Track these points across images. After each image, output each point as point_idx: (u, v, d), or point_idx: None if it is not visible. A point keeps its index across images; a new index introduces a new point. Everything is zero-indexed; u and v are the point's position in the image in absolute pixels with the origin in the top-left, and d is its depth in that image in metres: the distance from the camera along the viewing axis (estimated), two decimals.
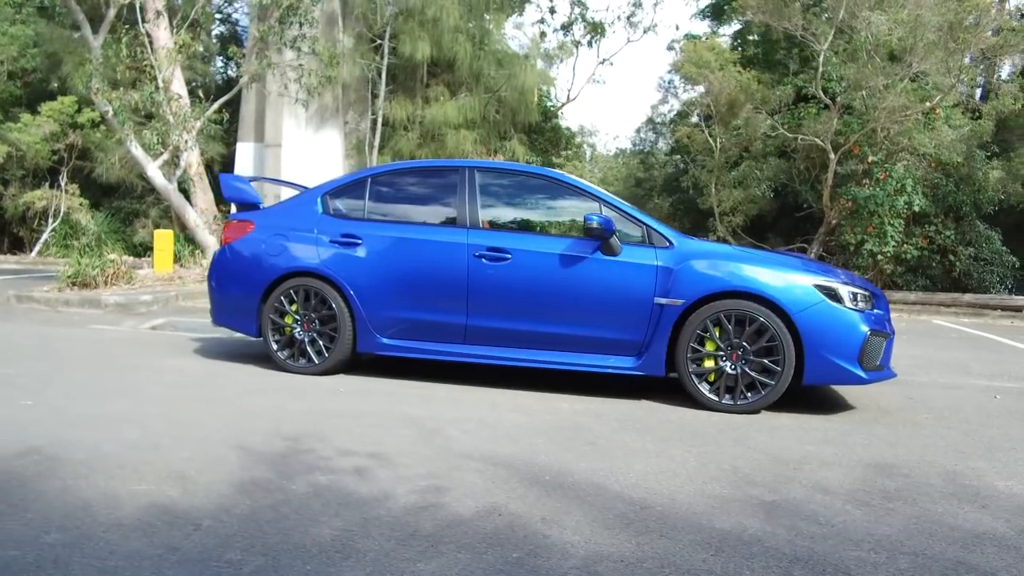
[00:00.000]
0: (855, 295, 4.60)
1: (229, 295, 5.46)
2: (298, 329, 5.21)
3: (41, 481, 2.70)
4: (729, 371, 4.56)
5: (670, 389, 4.95)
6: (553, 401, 4.61)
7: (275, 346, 5.24)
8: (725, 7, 18.61)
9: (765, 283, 4.53)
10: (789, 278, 4.57)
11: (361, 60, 15.37)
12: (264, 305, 5.28)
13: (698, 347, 4.60)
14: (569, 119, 48.99)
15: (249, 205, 5.68)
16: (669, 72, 26.02)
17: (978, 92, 12.88)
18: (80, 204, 15.43)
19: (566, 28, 19.46)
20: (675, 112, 26.08)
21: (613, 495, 2.89)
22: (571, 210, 5.10)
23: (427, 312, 5.00)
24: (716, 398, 4.57)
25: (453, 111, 15.77)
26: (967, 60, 10.93)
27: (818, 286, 4.54)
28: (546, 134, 20.59)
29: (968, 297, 11.66)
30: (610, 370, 4.77)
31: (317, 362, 5.14)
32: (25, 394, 4.06)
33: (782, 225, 15.20)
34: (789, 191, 14.28)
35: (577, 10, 19.71)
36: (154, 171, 10.62)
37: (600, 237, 4.70)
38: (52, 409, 3.77)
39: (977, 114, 11.40)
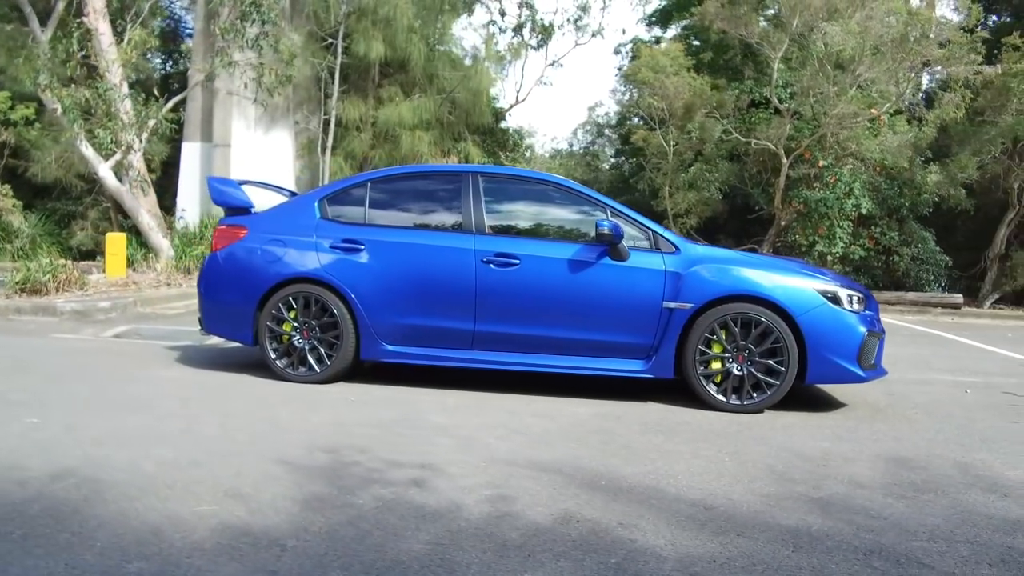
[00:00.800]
0: (852, 297, 4.80)
1: (222, 302, 5.29)
2: (297, 337, 5.08)
3: (93, 506, 2.57)
4: (736, 372, 4.69)
5: (664, 390, 5.06)
6: (566, 405, 4.65)
7: (273, 355, 5.11)
8: (674, 12, 19.06)
9: (771, 287, 4.68)
10: (792, 282, 4.74)
11: (312, 59, 15.07)
12: (261, 313, 5.14)
13: (705, 349, 4.71)
14: (518, 120, 49.24)
15: (239, 209, 5.51)
16: (618, 76, 26.46)
17: (923, 100, 13.54)
18: (13, 205, 14.60)
19: (517, 30, 19.52)
20: (620, 114, 26.57)
21: (672, 497, 2.95)
22: (575, 216, 5.13)
23: (434, 318, 4.96)
24: (723, 399, 4.69)
25: (408, 112, 15.62)
26: (911, 71, 11.51)
27: (819, 289, 4.72)
28: (495, 135, 20.64)
29: (911, 295, 12.28)
30: (619, 373, 4.84)
31: (318, 370, 5.04)
32: (26, 411, 3.84)
33: (732, 226, 15.66)
34: (739, 193, 14.72)
35: (527, 12, 19.81)
36: (106, 171, 10.15)
37: (610, 242, 4.76)
38: (64, 427, 3.58)
39: (920, 121, 12.01)
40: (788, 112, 12.25)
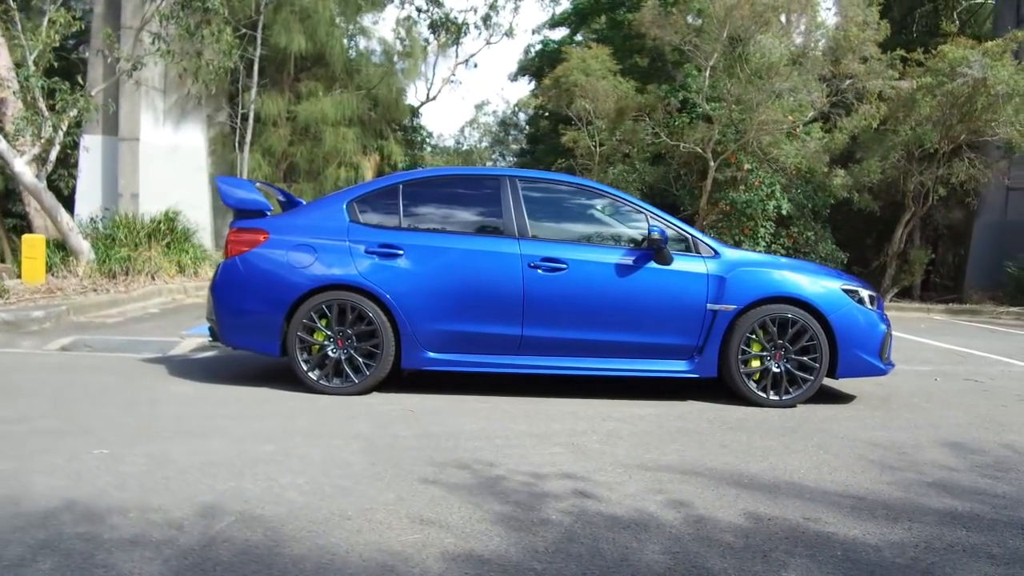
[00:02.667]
0: (872, 297, 5.15)
1: (245, 312, 4.94)
2: (331, 347, 4.84)
3: (287, 545, 2.34)
4: (775, 370, 4.93)
5: (689, 389, 5.23)
6: (617, 408, 4.70)
7: (305, 366, 4.83)
8: (589, 14, 19.50)
9: (805, 288, 4.96)
10: (823, 283, 5.03)
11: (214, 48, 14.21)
12: (290, 322, 4.85)
13: (746, 348, 4.92)
14: (432, 118, 48.67)
15: (254, 212, 5.16)
16: (524, 76, 26.70)
17: (840, 109, 14.55)
18: None
19: (433, 27, 19.33)
20: (532, 114, 26.86)
21: (818, 490, 3.09)
22: (614, 220, 5.21)
23: (480, 324, 4.88)
24: (764, 395, 4.92)
25: (331, 107, 15.10)
26: (825, 83, 12.44)
27: (845, 290, 5.04)
28: (408, 133, 20.34)
29: None
30: (666, 374, 4.96)
31: (356, 381, 4.82)
32: (78, 441, 3.43)
33: None
34: (661, 194, 15.30)
35: (441, 10, 19.65)
36: (22, 167, 9.12)
37: (658, 247, 4.86)
38: (146, 457, 3.22)
39: (835, 128, 12.96)
40: (717, 118, 12.86)
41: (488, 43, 21.75)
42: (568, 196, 5.29)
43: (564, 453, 3.54)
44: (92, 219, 11.32)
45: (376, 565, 2.22)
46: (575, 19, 22.11)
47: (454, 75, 21.98)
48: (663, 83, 15.72)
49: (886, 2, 12.79)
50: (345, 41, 15.47)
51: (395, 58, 17.61)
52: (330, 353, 4.84)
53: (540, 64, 23.24)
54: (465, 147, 35.06)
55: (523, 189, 5.11)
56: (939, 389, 5.81)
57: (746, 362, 4.93)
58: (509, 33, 21.40)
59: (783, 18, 11.65)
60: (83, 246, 10.05)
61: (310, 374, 4.84)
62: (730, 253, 5.10)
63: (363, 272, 4.85)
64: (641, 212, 5.13)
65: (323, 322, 4.85)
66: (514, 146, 27.62)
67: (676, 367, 4.96)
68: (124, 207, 13.18)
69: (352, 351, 4.84)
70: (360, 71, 16.22)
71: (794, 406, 4.94)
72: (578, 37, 22.34)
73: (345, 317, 4.84)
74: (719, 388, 5.20)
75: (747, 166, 13.08)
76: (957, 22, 15.99)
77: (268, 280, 4.91)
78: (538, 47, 24.43)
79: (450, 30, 19.96)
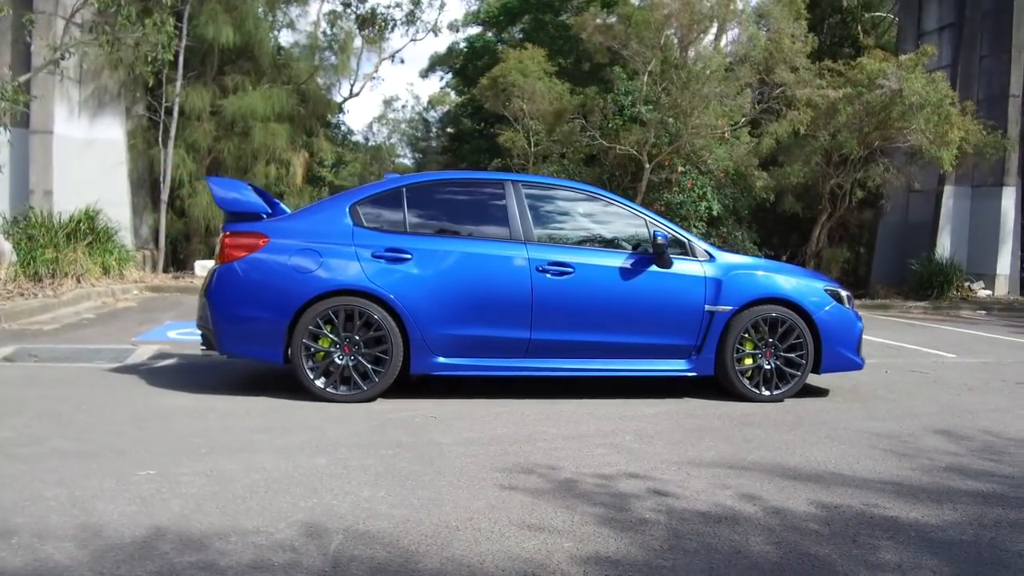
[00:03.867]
0: (848, 297, 5.52)
1: (246, 319, 4.76)
2: (338, 353, 4.74)
3: (413, 562, 2.29)
4: (766, 367, 5.20)
5: (680, 388, 5.44)
6: (626, 407, 4.84)
7: (311, 374, 4.71)
8: (518, 14, 19.62)
9: (794, 290, 5.26)
10: (809, 284, 5.36)
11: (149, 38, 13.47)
12: (294, 328, 4.71)
13: (739, 347, 5.16)
14: (349, 115, 47.55)
15: (249, 215, 4.98)
16: (435, 73, 26.58)
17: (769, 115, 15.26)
18: None
19: (361, 22, 18.95)
20: (452, 112, 26.75)
21: (858, 479, 3.35)
22: (615, 225, 5.33)
23: (489, 328, 4.90)
24: (757, 391, 5.18)
25: (261, 102, 14.57)
26: (757, 90, 13.09)
27: (827, 290, 5.38)
28: (332, 129, 19.87)
29: None
30: (668, 373, 5.14)
31: (365, 388, 4.74)
32: (114, 462, 3.23)
33: None
34: None
35: (366, 5, 19.31)
36: None
37: (660, 252, 5.02)
38: (203, 476, 3.06)
39: (764, 134, 13.64)
40: (652, 121, 13.28)
41: (414, 40, 21.62)
42: (569, 200, 5.37)
43: (611, 454, 3.63)
44: (16, 218, 10.50)
45: (519, 574, 2.24)
46: (503, 18, 22.20)
47: (377, 72, 21.56)
48: (592, 85, 16.09)
49: (796, 11, 13.56)
50: (273, 34, 14.97)
51: (322, 53, 17.19)
52: (337, 360, 4.74)
53: (465, 62, 23.26)
54: (372, 143, 34.48)
55: (527, 194, 5.16)
56: (894, 381, 6.26)
57: (740, 360, 5.18)
58: (434, 30, 21.29)
59: (715, 29, 12.18)
60: (5, 247, 9.32)
61: (316, 382, 4.72)
62: (723, 256, 5.33)
63: (371, 277, 4.78)
64: (640, 217, 5.29)
65: (328, 328, 4.74)
66: (431, 143, 27.44)
67: (677, 366, 5.15)
68: (36, 205, 12.27)
69: (359, 357, 4.76)
70: (288, 66, 15.74)
71: (782, 400, 5.23)
72: (500, 35, 22.48)
73: (352, 323, 4.75)
74: (704, 385, 5.40)
75: (681, 168, 13.58)
76: (862, 33, 17.11)
77: (271, 286, 4.76)
78: (463, 45, 24.40)
79: (376, 25, 19.64)
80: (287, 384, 4.90)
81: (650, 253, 5.10)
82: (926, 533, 2.68)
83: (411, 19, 21.05)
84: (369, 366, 4.75)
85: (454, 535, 2.51)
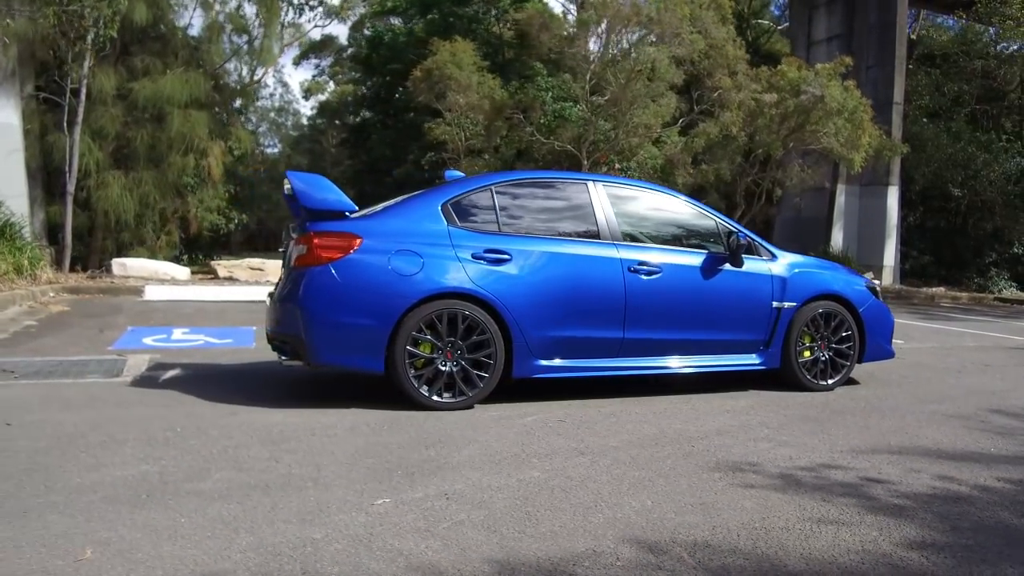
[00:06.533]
0: (879, 292, 6.00)
1: (346, 326, 4.47)
2: (440, 359, 4.58)
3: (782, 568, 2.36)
4: (822, 358, 5.56)
5: (738, 381, 5.72)
6: (720, 401, 5.05)
7: (415, 382, 4.52)
8: (432, 4, 19.30)
9: (843, 287, 5.67)
10: (852, 281, 5.78)
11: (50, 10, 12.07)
12: (397, 335, 4.50)
13: (800, 341, 5.49)
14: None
15: (332, 213, 4.68)
16: (308, 60, 25.67)
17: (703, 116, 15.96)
18: None
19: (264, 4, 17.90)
20: (351, 103, 25.86)
21: (979, 455, 3.68)
22: (689, 225, 5.48)
23: (586, 329, 4.91)
24: (815, 381, 5.54)
25: (177, 87, 13.45)
26: (694, 93, 13.74)
27: (867, 287, 5.83)
28: (244, 117, 18.71)
29: None
30: (742, 367, 5.38)
31: (470, 394, 4.61)
32: (317, 494, 2.97)
33: None
34: None
35: None
36: None
37: (735, 251, 5.24)
38: (447, 499, 2.90)
39: (697, 134, 14.32)
40: (581, 120, 13.60)
41: (319, 27, 20.74)
42: (644, 200, 5.45)
43: (776, 447, 3.79)
44: None
45: (880, 565, 2.34)
46: (415, 10, 21.78)
47: (282, 55, 20.50)
48: (512, 80, 16.19)
49: (722, 16, 14.37)
50: (187, 13, 13.88)
51: (230, 36, 16.12)
52: (440, 367, 4.57)
53: (369, 52, 22.57)
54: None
55: (608, 194, 5.20)
56: (893, 368, 6.84)
57: (800, 353, 5.51)
58: (340, 15, 20.54)
59: (654, 35, 12.67)
60: None
61: (421, 389, 4.54)
62: (784, 255, 5.64)
63: (474, 279, 4.64)
64: (711, 217, 5.48)
65: (430, 333, 4.56)
66: (304, 131, 26.41)
67: (750, 360, 5.40)
68: None
69: (463, 363, 4.62)
70: (199, 48, 14.62)
71: (834, 389, 5.61)
72: (410, 26, 22.05)
73: (455, 327, 4.60)
74: (751, 377, 5.65)
75: (618, 165, 14.01)
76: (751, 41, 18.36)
77: (372, 290, 4.50)
78: (368, 34, 23.68)
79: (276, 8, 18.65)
80: (344, 392, 4.77)
81: (723, 253, 5.30)
82: None
83: (310, 4, 20.21)
84: (473, 371, 4.62)
85: (781, 536, 2.57)
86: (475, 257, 4.69)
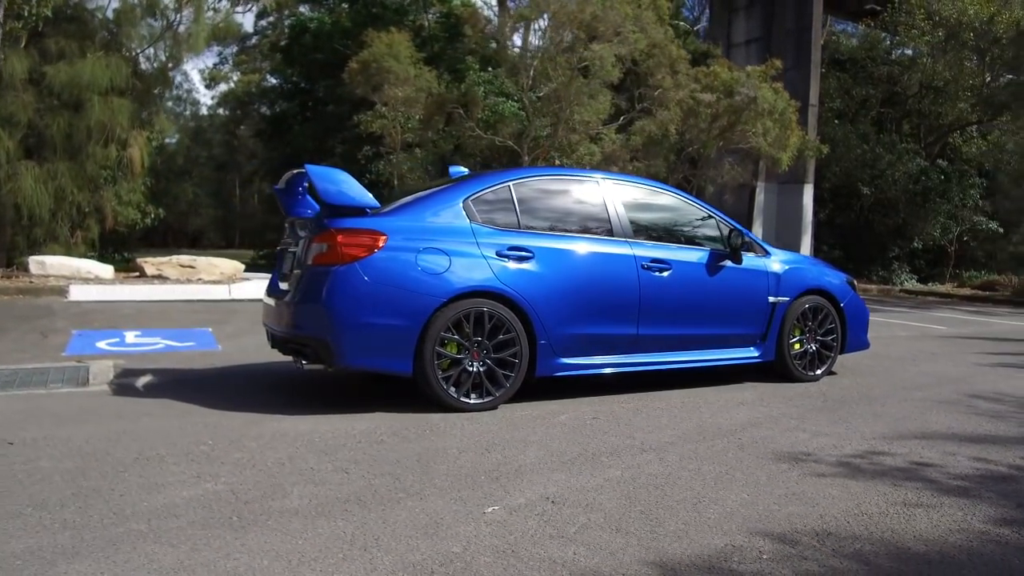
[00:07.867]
0: (856, 285, 6.35)
1: (375, 326, 4.32)
2: (467, 359, 4.52)
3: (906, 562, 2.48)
4: (810, 350, 5.85)
5: (722, 374, 5.95)
6: (724, 393, 5.23)
7: (444, 383, 4.45)
8: None
9: (828, 282, 5.98)
10: (834, 276, 6.10)
11: None
12: (425, 335, 4.40)
13: (791, 334, 5.75)
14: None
15: (353, 209, 4.52)
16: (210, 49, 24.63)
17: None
18: None
19: None
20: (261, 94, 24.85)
21: (984, 435, 3.99)
22: (691, 222, 5.62)
23: (603, 326, 4.96)
24: (805, 371, 5.81)
25: (98, 71, 12.54)
26: (635, 91, 14.03)
27: (847, 281, 6.16)
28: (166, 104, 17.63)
29: None
30: (743, 361, 5.58)
31: (497, 395, 4.58)
32: (437, 502, 2.90)
33: None
34: None
35: None
36: None
37: (737, 248, 5.43)
38: (554, 503, 2.87)
39: (636, 132, 14.60)
40: (530, 115, 13.68)
41: (236, 11, 19.80)
42: (647, 197, 5.54)
43: (813, 437, 3.97)
44: None
45: (986, 543, 2.51)
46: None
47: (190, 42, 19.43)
48: (443, 74, 16.07)
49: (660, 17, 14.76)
50: None
51: (148, 20, 15.18)
52: (468, 367, 4.51)
53: (291, 42, 21.76)
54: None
55: (617, 191, 5.26)
56: (854, 358, 7.24)
57: (791, 346, 5.76)
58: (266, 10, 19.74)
59: (598, 32, 12.86)
60: None
61: (449, 390, 4.46)
62: (776, 252, 5.87)
63: (500, 277, 4.60)
64: (711, 215, 5.64)
65: (456, 333, 4.49)
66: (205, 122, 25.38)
67: (749, 354, 5.60)
68: None
69: (489, 362, 4.57)
70: (120, 32, 13.69)
71: (819, 379, 5.91)
72: (333, 16, 21.42)
73: (482, 326, 4.54)
74: (734, 371, 5.91)
75: (558, 162, 14.14)
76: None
77: (401, 289, 4.38)
78: (288, 23, 22.84)
79: None
80: (350, 395, 4.66)
81: (724, 249, 5.48)
82: None
83: None
84: (499, 372, 4.58)
85: (888, 520, 2.70)
86: (500, 255, 4.64)
